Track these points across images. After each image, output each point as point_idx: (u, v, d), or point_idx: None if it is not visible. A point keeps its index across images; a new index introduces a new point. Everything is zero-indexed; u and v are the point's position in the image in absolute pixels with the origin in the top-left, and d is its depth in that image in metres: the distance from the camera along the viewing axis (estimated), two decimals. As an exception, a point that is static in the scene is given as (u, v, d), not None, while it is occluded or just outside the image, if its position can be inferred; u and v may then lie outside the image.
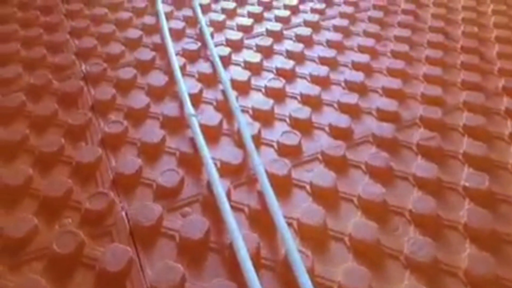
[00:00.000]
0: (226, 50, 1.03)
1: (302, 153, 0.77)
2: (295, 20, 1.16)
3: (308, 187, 0.71)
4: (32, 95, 0.90)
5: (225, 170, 0.73)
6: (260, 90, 0.92)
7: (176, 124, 0.83)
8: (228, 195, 0.69)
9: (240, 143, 0.78)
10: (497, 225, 0.65)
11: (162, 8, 1.18)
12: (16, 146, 0.78)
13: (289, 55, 1.02)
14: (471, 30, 1.11)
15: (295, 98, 0.90)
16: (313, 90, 0.91)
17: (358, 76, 0.94)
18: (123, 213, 0.67)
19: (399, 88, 0.91)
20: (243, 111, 0.85)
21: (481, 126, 0.82)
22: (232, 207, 0.66)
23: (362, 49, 1.03)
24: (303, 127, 0.82)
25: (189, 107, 0.82)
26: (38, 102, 0.89)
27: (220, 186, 0.68)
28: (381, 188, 0.69)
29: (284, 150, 0.77)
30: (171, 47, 1.01)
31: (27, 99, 0.89)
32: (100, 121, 0.84)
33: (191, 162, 0.75)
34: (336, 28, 1.11)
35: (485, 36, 1.09)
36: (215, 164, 0.73)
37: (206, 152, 0.74)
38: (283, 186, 0.70)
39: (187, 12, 1.18)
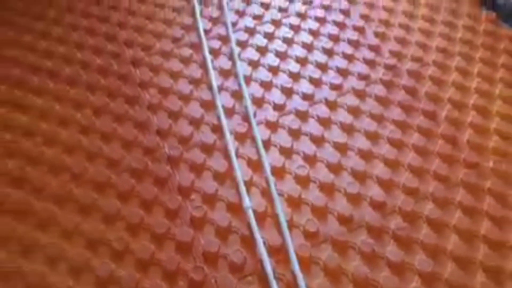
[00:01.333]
0: (266, 133, 1.32)
1: (319, 236, 1.15)
2: (318, 96, 1.40)
3: (321, 263, 1.10)
4: (136, 177, 1.26)
5: (271, 249, 1.12)
6: (291, 174, 1.25)
7: (236, 209, 1.19)
8: (273, 268, 1.09)
9: (278, 227, 1.15)
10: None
11: (214, 77, 1.44)
12: (137, 224, 1.18)
13: (313, 139, 1.31)
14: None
15: (315, 183, 1.23)
16: (329, 177, 1.23)
17: (361, 165, 1.25)
18: (213, 281, 1.09)
19: (389, 177, 1.22)
20: (279, 194, 1.21)
21: (438, 216, 1.15)
22: (275, 277, 1.07)
23: (368, 134, 1.31)
24: (320, 213, 1.18)
25: (246, 200, 1.18)
26: (141, 183, 1.26)
27: (268, 263, 1.08)
28: (366, 268, 1.08)
29: (307, 234, 1.15)
30: (227, 129, 1.32)
31: (134, 181, 1.25)
32: (187, 204, 1.21)
33: (249, 243, 1.13)
34: (350, 108, 1.37)
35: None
36: (264, 243, 1.12)
37: (258, 236, 1.13)
38: (306, 263, 1.10)
39: (233, 85, 1.44)
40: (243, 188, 1.20)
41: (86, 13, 1.66)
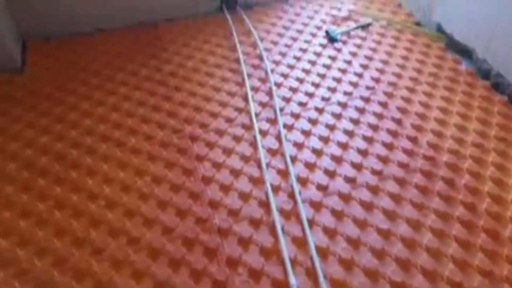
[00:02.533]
0: (310, 211, 1.35)
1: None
2: (360, 179, 1.44)
3: None
4: (187, 245, 1.29)
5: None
6: (335, 256, 1.25)
7: (281, 286, 1.18)
8: None
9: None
10: None
11: (263, 155, 1.51)
12: (187, 294, 1.18)
13: (356, 221, 1.32)
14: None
15: (359, 267, 1.21)
16: (373, 262, 1.22)
17: (405, 252, 1.24)
18: None
19: (433, 268, 1.20)
20: (324, 277, 1.19)
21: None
22: None
23: (410, 222, 1.31)
24: None
25: (291, 279, 1.18)
26: (192, 252, 1.28)
27: None
28: None
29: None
30: (274, 206, 1.36)
31: (186, 249, 1.28)
32: (235, 277, 1.21)
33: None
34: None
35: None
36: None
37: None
38: None
39: (281, 164, 1.50)
40: (289, 267, 1.20)
41: (152, 91, 1.83)
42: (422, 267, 1.20)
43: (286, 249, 1.24)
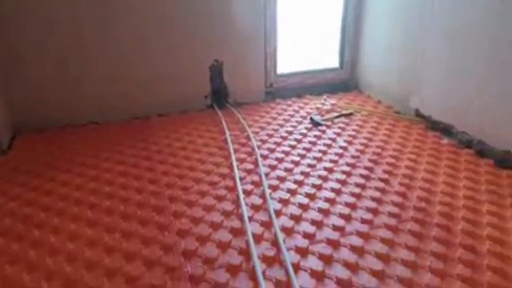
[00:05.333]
0: (296, 257, 1.33)
1: None
2: (349, 228, 1.47)
3: None
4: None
5: None
6: (324, 299, 1.19)
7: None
8: None
9: None
10: None
11: (245, 209, 1.57)
12: None
13: (346, 265, 1.30)
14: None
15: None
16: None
17: (403, 291, 1.18)
18: None
19: (437, 305, 1.13)
20: (311, 319, 1.11)
21: None
22: None
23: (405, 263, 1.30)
24: None
25: (272, 318, 1.09)
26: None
27: None
28: None
29: None
30: (255, 253, 1.34)
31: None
32: (205, 323, 1.12)
33: None
34: (382, 239, 1.41)
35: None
36: None
37: None
38: None
39: (264, 216, 1.55)
40: (269, 307, 1.13)
41: (136, 164, 1.99)
42: None
43: (267, 291, 1.19)
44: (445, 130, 2.15)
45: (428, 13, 2.18)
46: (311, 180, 1.79)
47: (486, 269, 1.27)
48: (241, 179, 1.82)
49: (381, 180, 1.77)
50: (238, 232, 1.47)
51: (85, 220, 1.58)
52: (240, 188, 1.73)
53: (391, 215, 1.54)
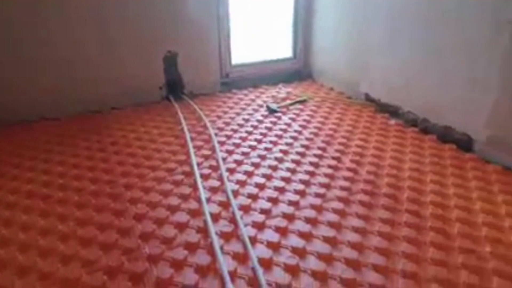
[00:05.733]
0: (253, 231, 1.39)
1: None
2: (304, 202, 1.55)
3: None
4: (109, 274, 1.24)
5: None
6: (279, 266, 1.24)
7: (219, 298, 1.13)
8: None
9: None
10: None
11: (203, 192, 1.60)
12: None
13: (301, 235, 1.37)
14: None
15: (306, 272, 1.21)
16: (320, 265, 1.23)
17: (354, 254, 1.27)
18: None
19: (384, 265, 1.22)
20: (269, 285, 1.16)
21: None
22: None
23: (357, 229, 1.39)
24: (314, 299, 1.12)
25: (228, 283, 1.14)
26: (114, 280, 1.22)
27: None
28: None
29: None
30: (212, 230, 1.39)
31: (107, 278, 1.22)
32: (163, 296, 1.15)
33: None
34: (334, 210, 1.49)
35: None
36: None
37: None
38: None
39: (222, 197, 1.59)
40: (227, 277, 1.17)
41: (90, 157, 1.97)
42: (373, 264, 1.23)
43: (225, 264, 1.23)
44: (393, 111, 2.30)
45: (371, 3, 2.33)
46: (267, 162, 1.86)
47: (429, 230, 1.39)
48: (198, 164, 1.85)
49: (334, 158, 1.87)
50: (196, 213, 1.51)
51: (37, 211, 1.55)
52: (197, 172, 1.76)
53: (343, 188, 1.63)
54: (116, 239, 1.38)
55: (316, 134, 2.12)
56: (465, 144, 1.91)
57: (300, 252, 1.30)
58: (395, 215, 1.46)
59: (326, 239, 1.35)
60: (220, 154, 1.92)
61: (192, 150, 1.96)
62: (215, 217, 1.47)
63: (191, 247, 1.33)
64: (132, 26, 2.42)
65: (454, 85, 1.93)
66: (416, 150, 1.92)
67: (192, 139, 2.09)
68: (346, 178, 1.70)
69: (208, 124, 2.24)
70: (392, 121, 2.23)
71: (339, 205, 1.53)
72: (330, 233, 1.38)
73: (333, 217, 1.46)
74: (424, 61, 2.05)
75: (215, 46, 2.69)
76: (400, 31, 2.16)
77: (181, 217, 1.49)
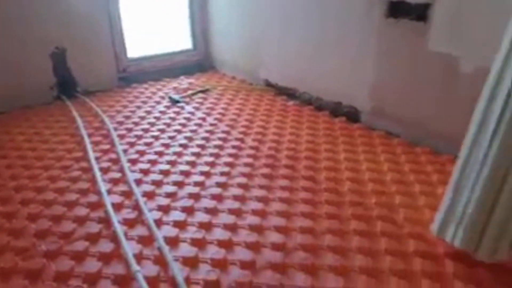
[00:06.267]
0: (158, 214, 1.41)
1: (221, 285, 1.11)
2: (209, 182, 1.61)
3: (227, 309, 1.03)
4: (1, 277, 1.16)
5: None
6: (186, 242, 1.29)
7: (125, 280, 1.13)
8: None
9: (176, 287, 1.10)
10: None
11: (102, 185, 1.57)
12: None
13: (207, 211, 1.43)
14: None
15: (212, 243, 1.28)
16: (226, 234, 1.30)
17: (257, 221, 1.36)
18: None
19: (285, 225, 1.34)
20: (176, 260, 1.20)
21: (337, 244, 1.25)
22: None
23: (259, 199, 1.49)
24: (221, 264, 1.18)
25: (133, 265, 1.15)
26: (8, 282, 1.15)
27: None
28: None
29: (208, 285, 1.11)
30: (115, 219, 1.37)
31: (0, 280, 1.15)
32: (64, 288, 1.12)
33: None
34: (239, 185, 1.58)
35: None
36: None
37: (151, 297, 1.05)
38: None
39: (124, 187, 1.58)
40: (131, 259, 1.18)
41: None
42: (275, 226, 1.34)
43: (130, 248, 1.24)
44: (291, 94, 2.48)
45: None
46: (172, 150, 1.88)
47: (323, 191, 1.54)
48: (97, 159, 1.80)
49: (237, 139, 1.96)
50: (96, 206, 1.48)
51: None
52: (96, 167, 1.72)
53: (247, 165, 1.73)
54: (8, 241, 1.30)
55: (220, 120, 2.20)
56: (353, 116, 2.15)
57: (206, 226, 1.35)
58: (293, 182, 1.60)
59: (232, 211, 1.43)
60: (121, 147, 1.89)
61: (89, 146, 1.90)
62: (118, 207, 1.46)
63: (93, 238, 1.31)
64: (16, 23, 2.26)
65: (335, 65, 2.16)
66: (311, 125, 2.10)
67: (90, 135, 2.02)
68: (249, 156, 1.81)
69: (106, 120, 2.18)
70: (291, 102, 2.40)
71: (243, 180, 1.62)
72: (235, 205, 1.46)
73: (237, 191, 1.55)
74: (314, 45, 2.25)
75: (108, 41, 2.62)
76: (291, 18, 2.34)
77: (80, 211, 1.45)
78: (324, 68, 2.24)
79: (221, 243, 1.27)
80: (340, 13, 2.09)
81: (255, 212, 1.42)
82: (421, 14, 1.76)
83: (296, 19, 2.32)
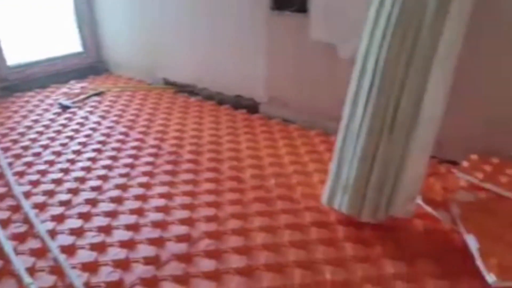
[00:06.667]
0: (51, 224, 1.34)
1: (124, 284, 1.11)
2: (108, 185, 1.57)
3: (132, 306, 1.03)
4: None
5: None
6: (84, 248, 1.25)
7: (16, 295, 1.07)
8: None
9: (74, 293, 1.07)
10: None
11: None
12: None
13: (106, 214, 1.40)
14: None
15: (113, 246, 1.26)
16: (127, 235, 1.29)
17: (160, 216, 1.37)
18: None
19: (189, 216, 1.37)
20: (73, 267, 1.16)
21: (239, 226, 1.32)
22: None
23: (162, 195, 1.50)
24: (123, 264, 1.17)
25: (26, 278, 1.09)
26: None
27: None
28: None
29: (111, 286, 1.10)
30: (1, 235, 1.28)
31: None
32: None
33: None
34: (140, 184, 1.57)
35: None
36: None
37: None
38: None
39: (11, 201, 1.47)
40: (22, 272, 1.12)
41: None
42: (179, 219, 1.37)
43: (21, 263, 1.16)
44: (191, 90, 2.50)
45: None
46: (64, 157, 1.79)
47: (227, 180, 1.60)
48: (-22, 168, 1.65)
49: (137, 140, 1.94)
50: (-22, 225, 1.36)
51: None
52: (-25, 182, 1.57)
53: (148, 164, 1.72)
54: None
55: (117, 122, 2.14)
56: (252, 107, 2.25)
57: (106, 230, 1.33)
58: (197, 175, 1.64)
59: (133, 211, 1.42)
60: (5, 161, 1.75)
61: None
62: (4, 223, 1.36)
63: (-25, 260, 1.21)
64: None
65: (231, 60, 2.24)
66: (213, 120, 2.15)
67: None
68: (150, 154, 1.80)
69: (-14, 132, 2.00)
70: (192, 99, 2.43)
71: (144, 179, 1.61)
72: (136, 205, 1.45)
73: (139, 191, 1.54)
74: (210, 41, 2.31)
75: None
76: (186, 15, 2.36)
77: (-43, 232, 1.32)
78: (222, 63, 2.31)
79: (122, 244, 1.26)
80: (230, 7, 2.17)
81: (158, 209, 1.43)
82: (301, 6, 1.92)
83: (190, 16, 2.35)
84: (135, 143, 1.91)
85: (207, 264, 1.17)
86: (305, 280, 1.12)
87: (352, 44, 1.77)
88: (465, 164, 1.57)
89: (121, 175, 1.64)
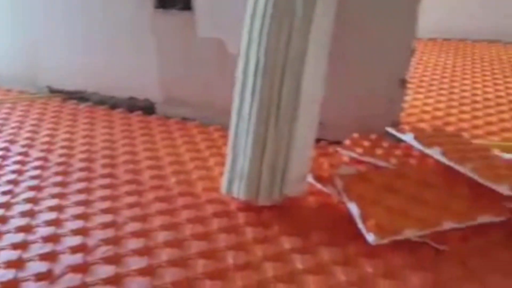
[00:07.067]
0: None
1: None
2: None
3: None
4: None
5: None
6: None
7: None
8: None
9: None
10: None
11: None
12: None
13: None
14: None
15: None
16: (14, 254, 1.21)
17: (51, 230, 1.30)
18: None
19: (82, 226, 1.32)
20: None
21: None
22: None
23: (51, 208, 1.42)
24: (11, 285, 1.10)
25: None
26: None
27: None
28: None
29: None
30: None
31: None
32: None
33: None
34: (27, 200, 1.48)
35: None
36: None
37: None
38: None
39: None
40: None
41: None
42: (72, 230, 1.32)
43: None
44: (80, 97, 2.39)
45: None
46: None
47: (123, 184, 1.58)
48: None
49: (20, 154, 1.80)
50: None
51: None
52: None
53: (34, 178, 1.62)
54: None
55: (-6, 140, 1.97)
56: (149, 108, 2.23)
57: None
58: (90, 183, 1.59)
59: (19, 229, 1.32)
60: None
61: None
62: None
63: None
64: None
65: (121, 61, 2.20)
66: (106, 125, 2.09)
67: None
68: (36, 168, 1.70)
69: None
70: (82, 106, 2.32)
71: (30, 194, 1.51)
72: (23, 222, 1.36)
73: (25, 207, 1.44)
74: (96, 43, 2.23)
75: None
76: (69, 17, 2.25)
77: None
78: (111, 65, 2.24)
79: (9, 265, 1.17)
80: (111, 6, 2.12)
81: (48, 223, 1.35)
82: (186, 3, 1.95)
83: (68, 17, 2.24)
84: (18, 157, 1.77)
85: (106, 270, 1.14)
86: (208, 269, 1.16)
87: (239, 39, 1.86)
88: (347, 142, 1.75)
89: (4, 193, 1.52)
